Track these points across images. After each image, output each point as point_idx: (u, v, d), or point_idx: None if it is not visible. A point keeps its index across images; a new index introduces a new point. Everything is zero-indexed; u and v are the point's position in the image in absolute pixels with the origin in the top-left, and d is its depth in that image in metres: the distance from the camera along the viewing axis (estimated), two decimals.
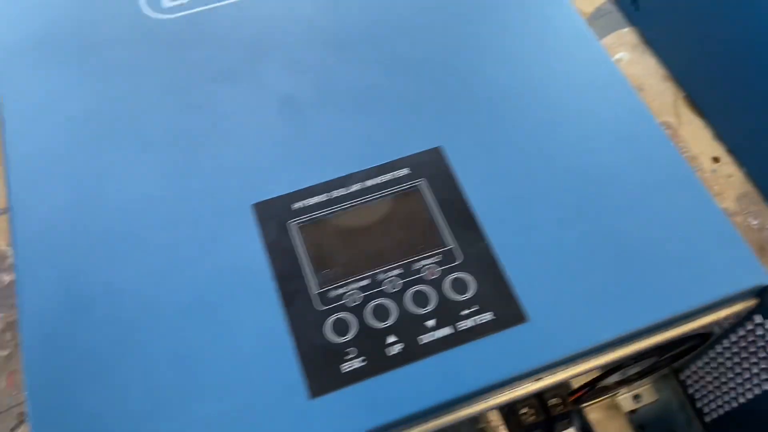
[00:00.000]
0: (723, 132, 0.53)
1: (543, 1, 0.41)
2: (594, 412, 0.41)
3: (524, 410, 0.30)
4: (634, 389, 0.43)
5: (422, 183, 0.34)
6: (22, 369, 0.42)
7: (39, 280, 0.31)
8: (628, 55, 0.58)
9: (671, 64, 0.58)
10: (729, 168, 0.52)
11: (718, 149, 0.53)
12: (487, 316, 0.30)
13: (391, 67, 0.38)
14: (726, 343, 0.36)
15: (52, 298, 0.31)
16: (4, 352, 0.45)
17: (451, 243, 0.32)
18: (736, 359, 0.36)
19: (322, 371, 0.29)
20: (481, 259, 0.32)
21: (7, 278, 0.48)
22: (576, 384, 0.35)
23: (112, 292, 0.31)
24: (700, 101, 0.55)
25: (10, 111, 0.37)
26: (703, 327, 0.32)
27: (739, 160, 0.52)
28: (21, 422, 0.43)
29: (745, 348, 0.35)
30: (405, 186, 0.34)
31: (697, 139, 0.54)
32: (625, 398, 0.43)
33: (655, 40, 0.59)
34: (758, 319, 0.33)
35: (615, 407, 0.42)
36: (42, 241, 0.33)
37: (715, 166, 0.53)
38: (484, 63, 0.38)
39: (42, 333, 0.30)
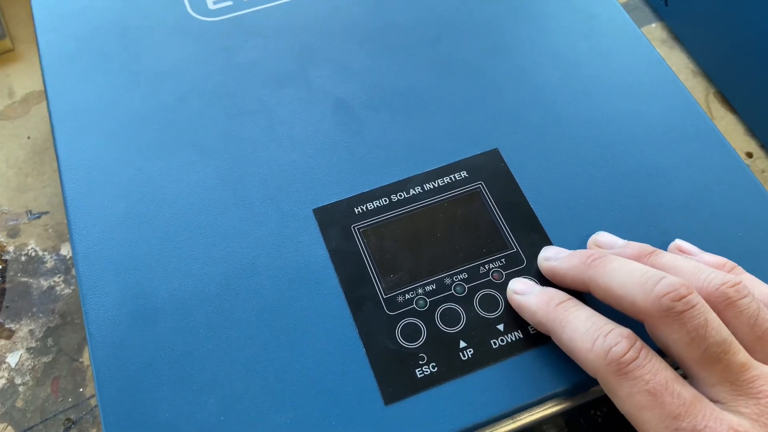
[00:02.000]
0: (755, 127, 0.53)
1: (592, 1, 0.41)
2: None
3: (593, 412, 0.31)
4: None
5: (481, 185, 0.34)
6: (91, 378, 0.42)
7: (103, 290, 0.31)
8: (657, 50, 0.58)
9: (701, 59, 0.58)
10: (763, 163, 0.52)
11: (751, 144, 0.53)
12: None
13: (443, 69, 0.38)
14: None
15: (117, 307, 0.31)
16: (47, 358, 0.45)
17: (513, 246, 0.32)
18: None
19: (395, 378, 0.29)
20: None
21: (45, 283, 0.48)
22: None
23: (178, 300, 0.31)
24: (731, 96, 0.55)
25: (59, 117, 0.37)
26: None
27: None
28: (68, 428, 0.43)
29: None
30: (464, 189, 0.34)
31: (730, 134, 0.54)
32: None
33: (684, 35, 0.59)
34: None
35: None
36: (102, 250, 0.32)
37: (749, 161, 0.53)
38: (537, 63, 0.38)
39: (110, 343, 0.30)
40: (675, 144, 0.36)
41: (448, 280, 0.31)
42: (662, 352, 0.26)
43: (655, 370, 0.24)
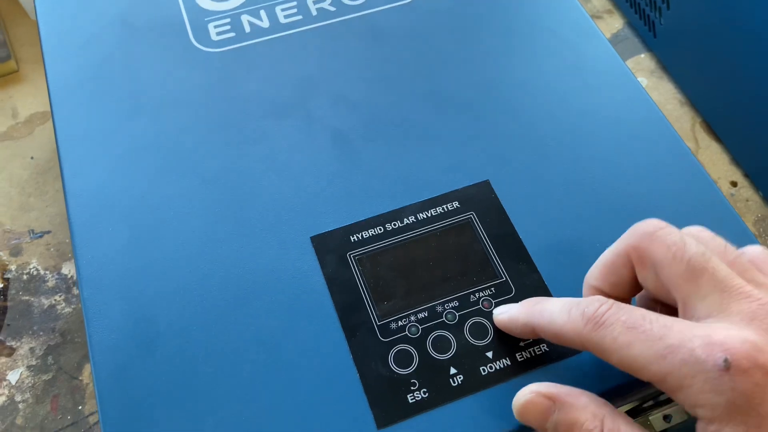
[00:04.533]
0: (740, 157, 0.55)
1: (580, 36, 0.43)
2: None
3: None
4: (665, 409, 0.44)
5: (472, 216, 0.35)
6: (94, 399, 0.43)
7: (106, 316, 0.32)
8: (646, 80, 0.59)
9: (688, 89, 0.60)
10: (747, 192, 0.54)
11: (735, 173, 0.55)
12: (543, 347, 0.31)
13: (438, 102, 0.40)
14: None
15: (120, 332, 0.32)
16: (47, 376, 0.46)
17: (503, 275, 0.33)
18: None
19: (388, 403, 0.30)
20: (533, 290, 0.33)
21: (46, 302, 0.49)
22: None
23: (179, 326, 0.32)
24: (716, 126, 0.57)
25: (65, 145, 0.38)
26: None
27: (755, 184, 0.54)
28: None
29: None
30: (456, 219, 0.35)
31: (716, 163, 0.56)
32: (656, 418, 0.44)
33: (672, 66, 0.61)
34: None
35: (647, 427, 0.43)
36: (106, 276, 0.34)
37: (733, 190, 0.54)
38: (528, 98, 0.40)
39: (113, 367, 0.31)
40: (659, 178, 0.37)
41: (439, 308, 0.32)
42: None
43: (629, 311, 0.25)
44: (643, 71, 0.61)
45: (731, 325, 0.23)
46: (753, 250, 0.28)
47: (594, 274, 0.29)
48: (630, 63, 0.61)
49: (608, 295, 0.28)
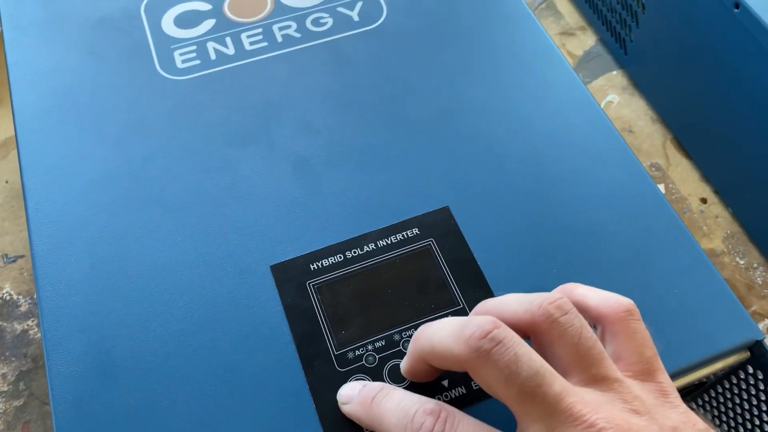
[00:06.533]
0: (709, 173, 0.56)
1: (542, 60, 0.43)
2: None
3: None
4: None
5: (431, 243, 0.36)
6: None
7: (66, 346, 0.33)
8: (618, 97, 0.60)
9: (659, 106, 0.60)
10: (716, 209, 0.54)
11: (705, 190, 0.55)
12: None
13: (399, 128, 0.40)
14: (719, 388, 0.38)
15: (79, 363, 0.32)
16: (18, 402, 0.46)
17: (460, 303, 0.34)
18: (729, 405, 0.38)
19: None
20: None
21: (18, 327, 0.49)
22: None
23: (138, 356, 0.32)
24: (686, 143, 0.58)
25: (30, 174, 0.38)
26: (695, 379, 0.34)
27: (725, 201, 0.55)
28: None
29: (736, 395, 0.37)
30: (415, 246, 0.36)
31: (686, 180, 0.56)
32: None
33: (642, 83, 0.61)
34: (750, 369, 0.35)
35: None
36: (67, 306, 0.34)
37: (703, 206, 0.55)
38: (488, 123, 0.40)
39: (72, 398, 0.31)
40: (618, 202, 0.38)
41: (397, 336, 0.33)
42: None
43: (460, 429, 0.25)
44: (615, 88, 0.62)
45: None
46: (610, 311, 0.27)
47: (428, 353, 0.28)
48: (602, 80, 0.62)
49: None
